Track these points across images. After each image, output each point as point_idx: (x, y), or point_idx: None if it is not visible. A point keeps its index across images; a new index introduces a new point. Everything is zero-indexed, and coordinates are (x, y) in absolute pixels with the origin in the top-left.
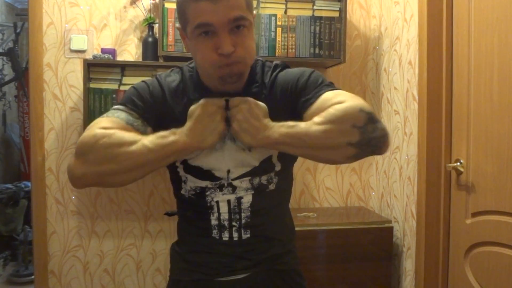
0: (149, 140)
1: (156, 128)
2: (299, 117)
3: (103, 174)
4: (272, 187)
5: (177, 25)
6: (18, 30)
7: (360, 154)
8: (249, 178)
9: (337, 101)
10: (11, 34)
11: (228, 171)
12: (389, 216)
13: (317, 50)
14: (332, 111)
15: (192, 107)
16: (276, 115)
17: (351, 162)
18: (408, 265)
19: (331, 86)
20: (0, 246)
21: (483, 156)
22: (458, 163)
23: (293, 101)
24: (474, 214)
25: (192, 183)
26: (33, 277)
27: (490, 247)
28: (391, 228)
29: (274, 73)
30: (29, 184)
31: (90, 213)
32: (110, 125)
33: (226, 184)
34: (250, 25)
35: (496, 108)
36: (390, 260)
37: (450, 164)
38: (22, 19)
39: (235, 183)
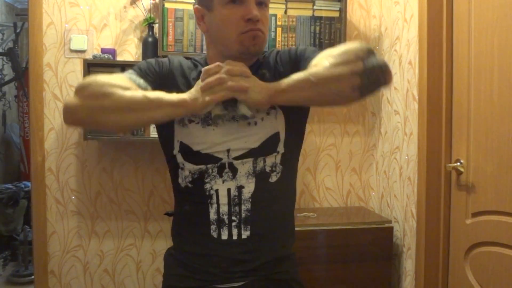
0: (150, 91)
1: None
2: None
3: (95, 109)
4: (275, 177)
5: (195, 6)
6: (18, 30)
7: (366, 85)
8: (252, 159)
9: (337, 47)
10: (11, 34)
11: (228, 150)
12: (389, 216)
13: None
14: (334, 49)
15: (197, 82)
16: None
17: (357, 98)
18: (408, 265)
19: (307, 53)
20: (0, 246)
21: (483, 156)
22: (458, 163)
23: (296, 65)
24: (474, 214)
25: (190, 167)
26: (33, 277)
27: (490, 247)
28: (391, 228)
29: (274, 54)
30: (29, 184)
31: (90, 213)
32: (115, 77)
33: (226, 166)
34: (268, 5)
35: (496, 108)
36: (390, 260)
37: (450, 164)
38: (22, 19)
39: (236, 164)
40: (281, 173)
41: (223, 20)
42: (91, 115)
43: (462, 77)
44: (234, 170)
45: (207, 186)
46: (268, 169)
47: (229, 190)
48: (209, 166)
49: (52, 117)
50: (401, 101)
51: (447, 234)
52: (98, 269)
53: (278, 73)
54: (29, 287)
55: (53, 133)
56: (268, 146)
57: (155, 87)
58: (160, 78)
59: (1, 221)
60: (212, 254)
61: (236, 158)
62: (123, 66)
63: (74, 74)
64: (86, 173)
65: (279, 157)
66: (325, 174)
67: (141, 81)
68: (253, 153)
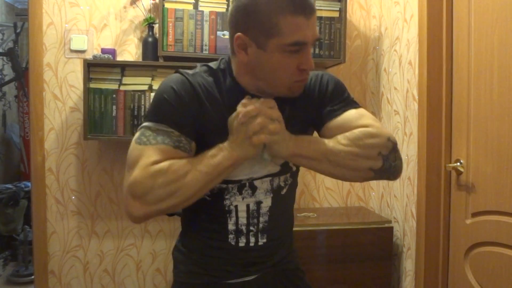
0: (201, 163)
1: (198, 138)
2: (319, 124)
3: (165, 210)
4: (285, 190)
5: (238, 34)
6: (18, 30)
7: (376, 178)
8: (270, 178)
9: (363, 124)
10: (11, 34)
11: (248, 173)
12: (389, 216)
13: (317, 50)
14: (360, 134)
15: (230, 118)
16: (298, 120)
17: (363, 181)
18: (408, 265)
19: (355, 103)
20: (0, 246)
21: (483, 156)
22: (458, 163)
23: (318, 107)
24: (474, 214)
25: None
26: (33, 277)
27: (490, 247)
28: (391, 228)
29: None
30: (29, 184)
31: (90, 213)
32: (160, 157)
33: (247, 185)
34: None
35: (496, 108)
36: (390, 260)
37: (450, 164)
38: (22, 19)
39: (256, 183)
40: (290, 184)
41: (277, 66)
42: (165, 212)
43: (462, 77)
44: (253, 188)
45: (227, 202)
46: (282, 184)
47: (248, 205)
48: (230, 185)
49: (52, 117)
50: (401, 101)
51: (447, 234)
52: (98, 269)
53: (299, 106)
54: (29, 287)
55: (53, 133)
56: (284, 168)
57: (195, 135)
58: (191, 114)
59: (1, 221)
60: (228, 258)
61: (256, 179)
62: (123, 66)
63: (74, 74)
64: (86, 173)
65: (289, 174)
66: None
67: (182, 141)
68: (273, 174)
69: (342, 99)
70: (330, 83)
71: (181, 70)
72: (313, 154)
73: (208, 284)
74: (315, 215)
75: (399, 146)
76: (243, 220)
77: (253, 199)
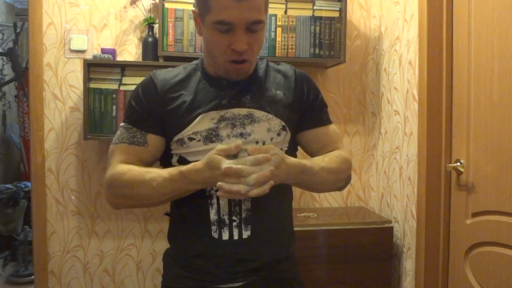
0: (157, 181)
1: (162, 127)
2: (297, 123)
3: (130, 206)
4: None
5: (193, 8)
6: (18, 30)
7: (341, 188)
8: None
9: (337, 146)
10: (11, 34)
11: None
12: (389, 216)
13: (317, 50)
14: (338, 159)
15: (211, 155)
16: (277, 98)
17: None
18: (408, 265)
19: (327, 114)
20: (0, 246)
21: (483, 156)
22: (458, 163)
23: (302, 109)
24: (474, 214)
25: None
26: (33, 277)
27: (490, 247)
28: (391, 228)
29: (293, 70)
30: (29, 184)
31: (90, 213)
32: (123, 157)
33: None
34: (263, 26)
35: (496, 108)
36: (390, 260)
37: (450, 164)
38: (22, 19)
39: None
40: None
41: (211, 42)
42: (132, 207)
43: (462, 77)
44: None
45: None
46: None
47: None
48: None
49: (52, 117)
50: (401, 101)
51: (447, 234)
52: (98, 269)
53: (299, 98)
54: (29, 287)
55: (53, 133)
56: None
57: (156, 127)
58: (154, 109)
59: (1, 221)
60: (213, 255)
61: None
62: (123, 66)
63: (74, 74)
64: (86, 173)
65: None
66: None
67: (137, 136)
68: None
69: (322, 111)
70: (311, 87)
71: (156, 70)
72: (308, 177)
73: None
74: (315, 215)
75: (399, 146)
76: (224, 208)
77: None
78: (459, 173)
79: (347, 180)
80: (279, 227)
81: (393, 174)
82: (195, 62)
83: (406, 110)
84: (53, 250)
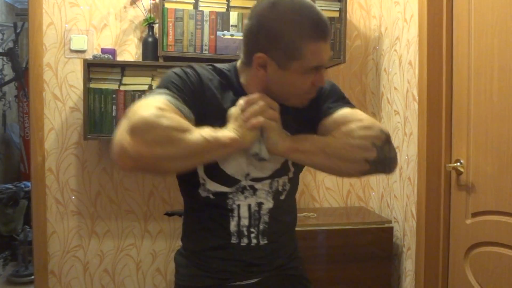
0: (203, 130)
1: (197, 120)
2: (317, 123)
3: (161, 158)
4: (284, 195)
5: (259, 54)
6: (18, 30)
7: (372, 171)
8: (270, 181)
9: (357, 118)
10: (11, 34)
11: (248, 174)
12: (389, 216)
13: None
14: (353, 127)
15: (231, 109)
16: (299, 122)
17: (361, 177)
18: (408, 265)
19: (350, 103)
20: (0, 246)
21: (483, 156)
22: (458, 163)
23: (316, 107)
24: (474, 214)
25: (211, 186)
26: (33, 277)
27: (490, 247)
28: (391, 228)
29: None
30: (29, 184)
31: (90, 213)
32: (164, 107)
33: (247, 186)
34: None
35: (496, 108)
36: (390, 260)
37: (450, 164)
38: (22, 19)
39: (257, 185)
40: (287, 191)
41: (296, 84)
42: (157, 163)
43: (462, 77)
44: (254, 189)
45: (230, 201)
46: (280, 189)
47: (249, 205)
48: (231, 189)
49: (52, 117)
50: (401, 101)
51: (447, 234)
52: (98, 269)
53: (301, 117)
54: (29, 287)
55: (53, 133)
56: (283, 168)
57: (196, 114)
58: (194, 98)
59: (1, 221)
60: (230, 257)
61: (254, 180)
62: (123, 66)
63: (74, 74)
64: (86, 173)
65: (287, 179)
66: (325, 174)
67: (187, 110)
68: (270, 176)
69: (337, 98)
70: (327, 84)
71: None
72: (309, 147)
73: (211, 287)
74: (315, 215)
75: (399, 146)
76: (244, 221)
77: (254, 200)
78: (459, 173)
79: (383, 152)
80: (289, 235)
81: (393, 174)
82: (226, 71)
83: (406, 110)
84: (53, 250)
